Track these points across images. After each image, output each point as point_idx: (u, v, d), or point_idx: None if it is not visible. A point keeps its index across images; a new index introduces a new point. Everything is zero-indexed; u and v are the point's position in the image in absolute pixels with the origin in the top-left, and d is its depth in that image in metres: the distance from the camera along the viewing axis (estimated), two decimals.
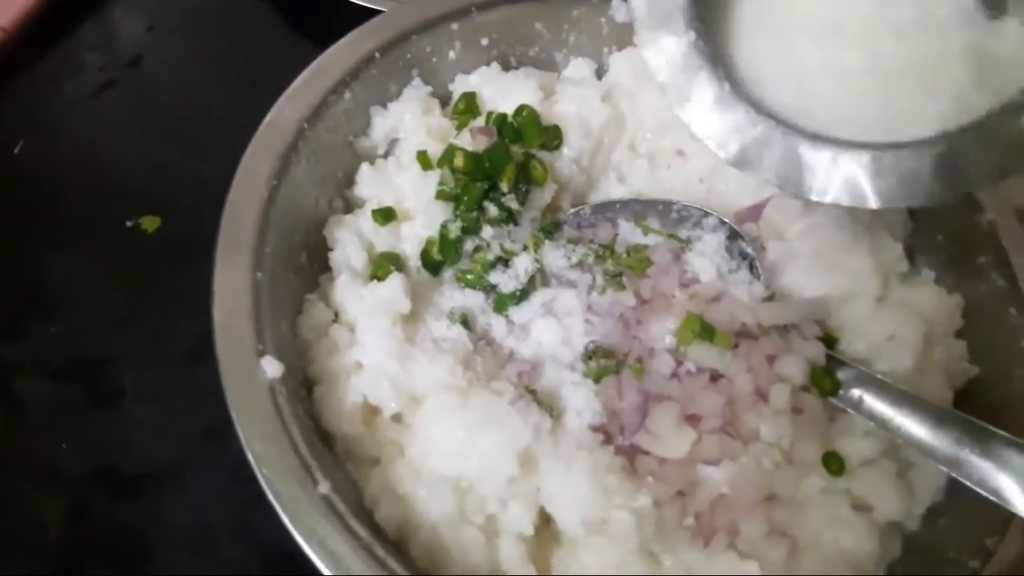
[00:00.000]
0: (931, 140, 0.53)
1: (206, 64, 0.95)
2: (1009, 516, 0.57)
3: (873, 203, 0.55)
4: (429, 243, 0.67)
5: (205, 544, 0.67)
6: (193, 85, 0.92)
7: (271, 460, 0.52)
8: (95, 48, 0.95)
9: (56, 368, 0.73)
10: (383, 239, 0.68)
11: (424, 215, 0.68)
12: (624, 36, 0.79)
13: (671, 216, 0.72)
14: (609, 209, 0.73)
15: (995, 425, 0.59)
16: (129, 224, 0.80)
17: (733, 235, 0.70)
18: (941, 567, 0.59)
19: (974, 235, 0.69)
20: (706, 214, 0.71)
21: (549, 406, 0.60)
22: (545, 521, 0.59)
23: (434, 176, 0.69)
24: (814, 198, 0.56)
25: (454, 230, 0.67)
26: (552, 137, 0.73)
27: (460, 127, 0.72)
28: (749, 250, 0.69)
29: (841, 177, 0.55)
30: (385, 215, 0.68)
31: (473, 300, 0.66)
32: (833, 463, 0.62)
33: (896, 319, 0.67)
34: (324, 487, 0.52)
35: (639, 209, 0.73)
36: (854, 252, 0.68)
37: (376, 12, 0.86)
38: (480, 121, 0.72)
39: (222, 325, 0.56)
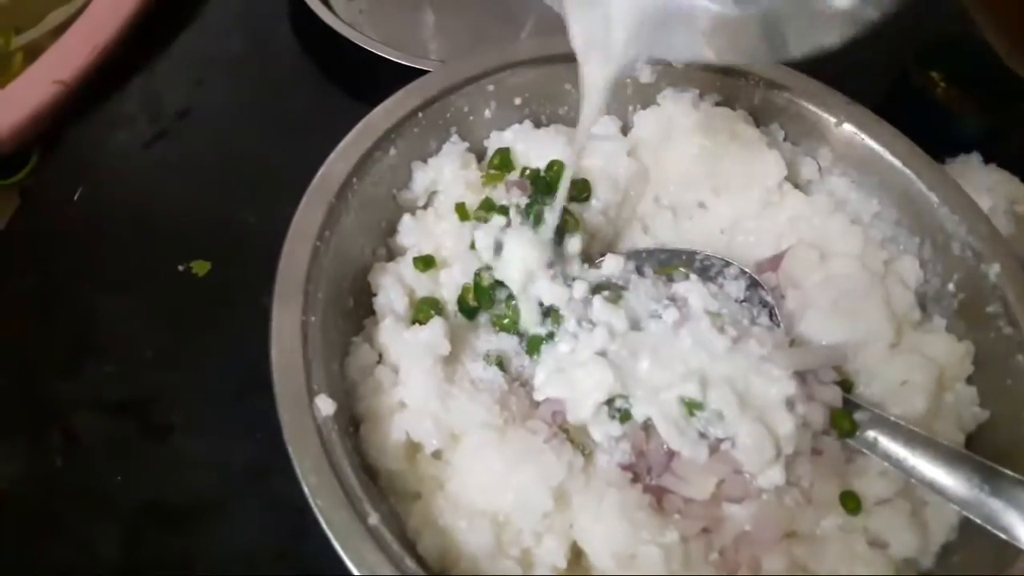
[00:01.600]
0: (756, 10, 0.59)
1: (251, 118, 1.00)
2: (1019, 552, 0.59)
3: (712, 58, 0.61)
4: (465, 290, 0.71)
5: (252, 572, 0.70)
6: (239, 137, 0.97)
7: (325, 492, 0.56)
8: (146, 101, 1.00)
9: (110, 404, 0.77)
10: (423, 285, 0.72)
11: (461, 262, 0.72)
12: (648, 95, 0.83)
13: (695, 265, 0.76)
14: (636, 257, 0.76)
15: (1005, 466, 0.62)
16: (181, 268, 0.85)
17: (753, 284, 0.74)
18: None
19: (982, 285, 0.72)
20: (727, 263, 0.75)
21: (581, 444, 0.64)
22: (577, 555, 0.62)
23: (470, 226, 0.74)
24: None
25: (488, 278, 0.71)
26: (581, 190, 0.77)
27: (487, 183, 0.76)
28: (769, 298, 0.73)
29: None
30: (425, 262, 0.72)
31: (507, 343, 0.70)
32: (850, 502, 0.65)
33: (909, 365, 0.70)
34: (374, 518, 0.56)
35: (664, 258, 0.77)
36: (869, 301, 0.72)
37: (403, 67, 0.92)
38: (515, 175, 0.77)
39: (279, 365, 0.60)
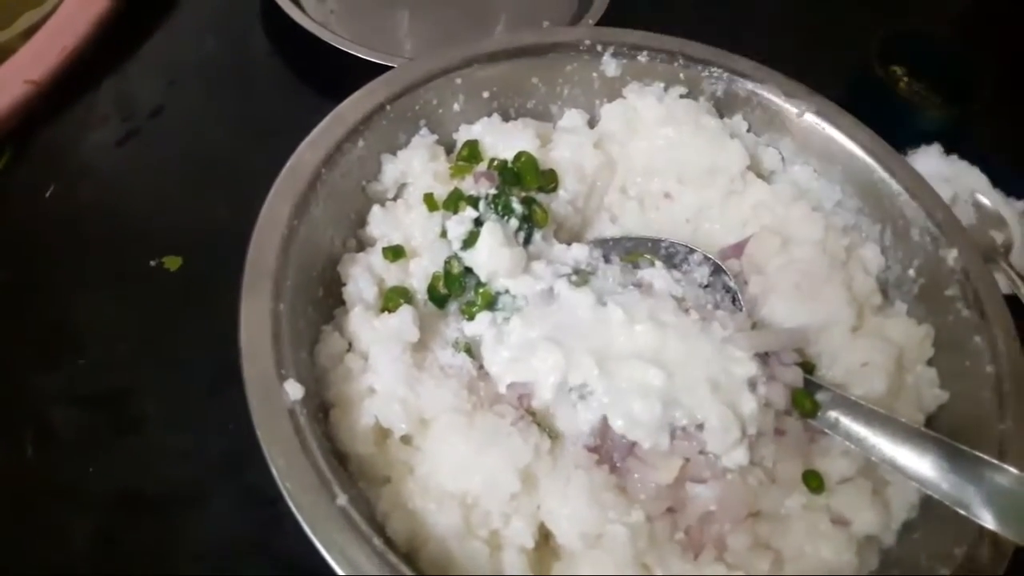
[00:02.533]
0: None
1: (223, 117, 1.01)
2: (977, 528, 0.61)
3: None
4: (435, 278, 0.72)
5: (226, 563, 0.71)
6: (211, 136, 0.98)
7: (293, 474, 0.56)
8: (119, 100, 1.00)
9: (84, 397, 0.77)
10: (393, 274, 0.73)
11: (430, 252, 0.73)
12: (614, 89, 0.85)
13: (660, 252, 0.77)
14: (603, 246, 0.78)
15: (964, 445, 0.63)
16: (153, 263, 0.85)
17: (717, 270, 0.76)
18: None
19: (942, 270, 0.74)
20: (691, 251, 0.77)
21: (548, 427, 0.65)
22: (545, 536, 0.63)
23: (439, 216, 0.75)
24: None
25: (457, 265, 0.72)
26: (549, 180, 0.78)
27: (455, 175, 0.77)
28: (732, 284, 0.75)
29: None
30: (395, 252, 0.73)
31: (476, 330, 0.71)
32: (813, 481, 0.66)
33: (870, 347, 0.72)
34: (342, 499, 0.56)
35: (630, 246, 0.78)
36: (830, 284, 0.74)
37: (379, 66, 0.93)
38: (483, 166, 0.78)
39: (248, 352, 0.61)
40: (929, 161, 0.96)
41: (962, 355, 0.72)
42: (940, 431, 0.69)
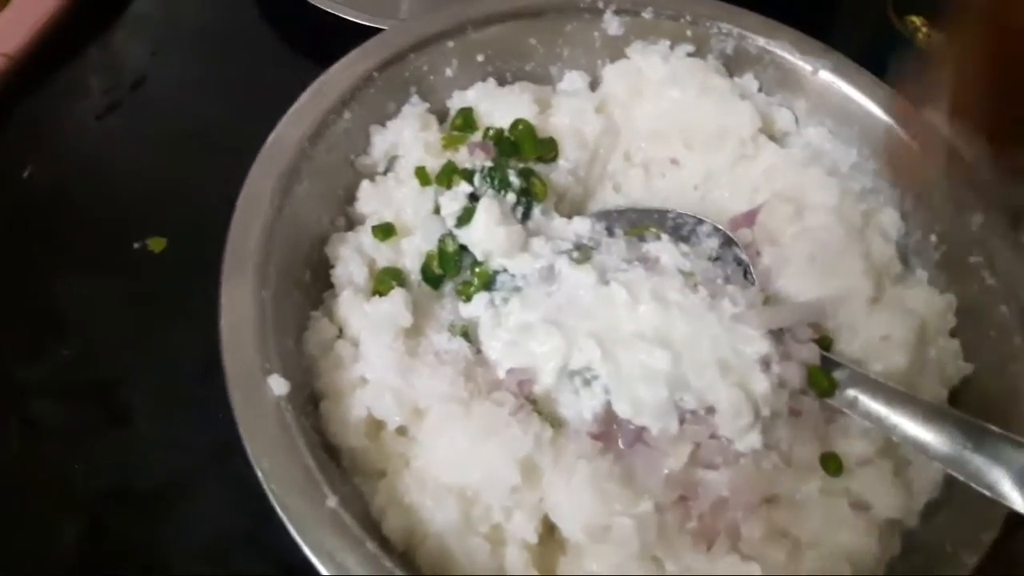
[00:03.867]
0: None
1: (209, 85, 0.96)
2: (1004, 511, 0.58)
3: None
4: (429, 257, 0.68)
5: (219, 556, 0.68)
6: (196, 106, 0.94)
7: (280, 476, 0.53)
8: (99, 71, 0.96)
9: (69, 388, 0.75)
10: (384, 254, 0.69)
11: (423, 229, 0.69)
12: (616, 49, 0.80)
13: (667, 224, 0.74)
14: (606, 218, 0.74)
15: (989, 421, 0.60)
16: (136, 246, 0.82)
17: (727, 242, 0.72)
18: (939, 563, 0.60)
19: (965, 236, 0.70)
20: (700, 221, 0.73)
21: (550, 415, 0.61)
22: (549, 529, 0.60)
23: (432, 191, 0.71)
24: None
25: (452, 244, 0.68)
26: (548, 149, 0.74)
27: (448, 146, 0.73)
28: (744, 256, 0.71)
29: None
30: (385, 231, 0.69)
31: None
32: (831, 463, 0.63)
33: (890, 319, 0.68)
34: (332, 501, 0.53)
35: (635, 218, 0.74)
36: (848, 255, 0.70)
37: (374, 30, 0.88)
38: (478, 136, 0.74)
39: (229, 344, 0.58)
40: None
41: (987, 325, 0.68)
42: (966, 406, 0.66)
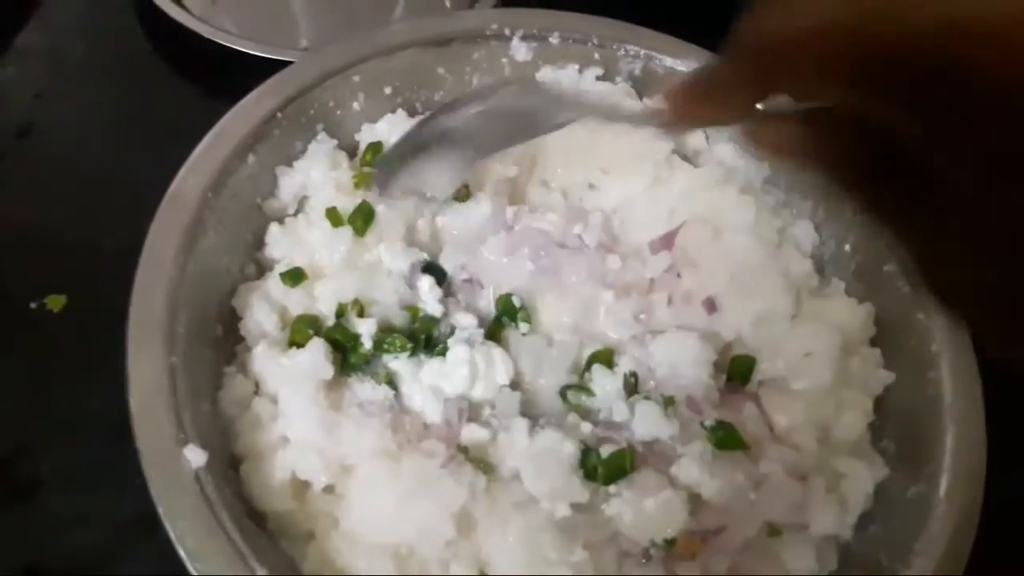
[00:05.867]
0: None
1: (101, 131, 0.91)
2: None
3: None
4: (341, 309, 0.66)
5: None
6: (89, 153, 0.88)
7: (203, 555, 0.51)
8: None
9: None
10: (297, 301, 0.66)
11: (336, 279, 0.66)
12: (526, 74, 0.79)
13: None
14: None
15: (912, 428, 0.63)
16: (33, 305, 0.77)
17: None
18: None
19: (878, 245, 0.71)
20: None
21: (482, 462, 0.60)
22: None
23: (345, 232, 0.68)
24: None
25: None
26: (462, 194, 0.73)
27: (360, 183, 0.71)
28: None
29: None
30: (294, 276, 0.66)
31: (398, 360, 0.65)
32: None
33: (812, 335, 0.68)
34: (261, 572, 0.51)
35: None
36: (767, 273, 0.70)
37: (275, 62, 0.85)
38: None
39: (140, 418, 0.54)
40: None
41: (906, 334, 0.69)
42: (888, 415, 0.67)
